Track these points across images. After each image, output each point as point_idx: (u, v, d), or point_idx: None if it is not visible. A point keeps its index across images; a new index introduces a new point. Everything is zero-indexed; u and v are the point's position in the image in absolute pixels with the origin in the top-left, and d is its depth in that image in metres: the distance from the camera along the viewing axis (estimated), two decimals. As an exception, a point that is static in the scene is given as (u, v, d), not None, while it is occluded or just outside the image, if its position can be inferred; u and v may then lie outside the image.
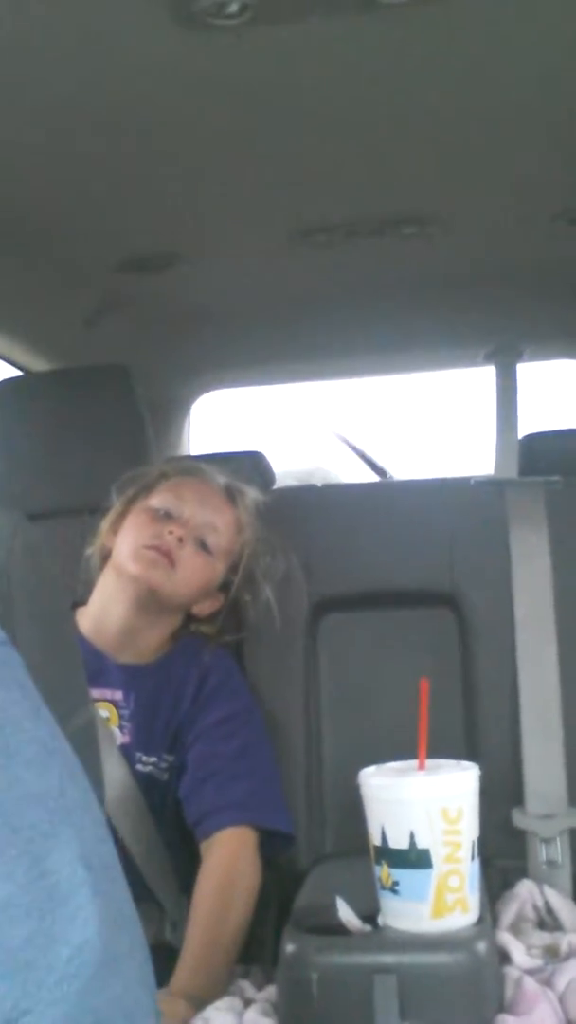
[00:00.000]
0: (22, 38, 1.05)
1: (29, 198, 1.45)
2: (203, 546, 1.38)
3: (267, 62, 1.14)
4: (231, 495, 1.45)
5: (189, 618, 1.44)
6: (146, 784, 1.31)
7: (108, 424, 1.61)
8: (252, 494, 1.48)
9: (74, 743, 0.59)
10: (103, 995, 0.48)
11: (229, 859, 1.25)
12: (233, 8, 1.01)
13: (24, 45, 1.06)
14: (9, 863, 0.47)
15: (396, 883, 0.98)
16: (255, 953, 1.28)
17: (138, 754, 1.33)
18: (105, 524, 1.42)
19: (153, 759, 1.33)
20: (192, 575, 1.36)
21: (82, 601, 1.44)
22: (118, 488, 1.46)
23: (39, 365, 1.98)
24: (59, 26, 1.04)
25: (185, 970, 1.14)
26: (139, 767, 1.32)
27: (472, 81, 1.22)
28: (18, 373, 1.99)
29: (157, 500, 1.40)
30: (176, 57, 1.11)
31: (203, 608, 1.43)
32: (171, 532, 1.35)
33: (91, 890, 0.49)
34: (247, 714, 1.38)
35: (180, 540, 1.35)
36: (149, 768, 1.32)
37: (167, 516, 1.38)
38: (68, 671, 0.83)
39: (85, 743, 0.85)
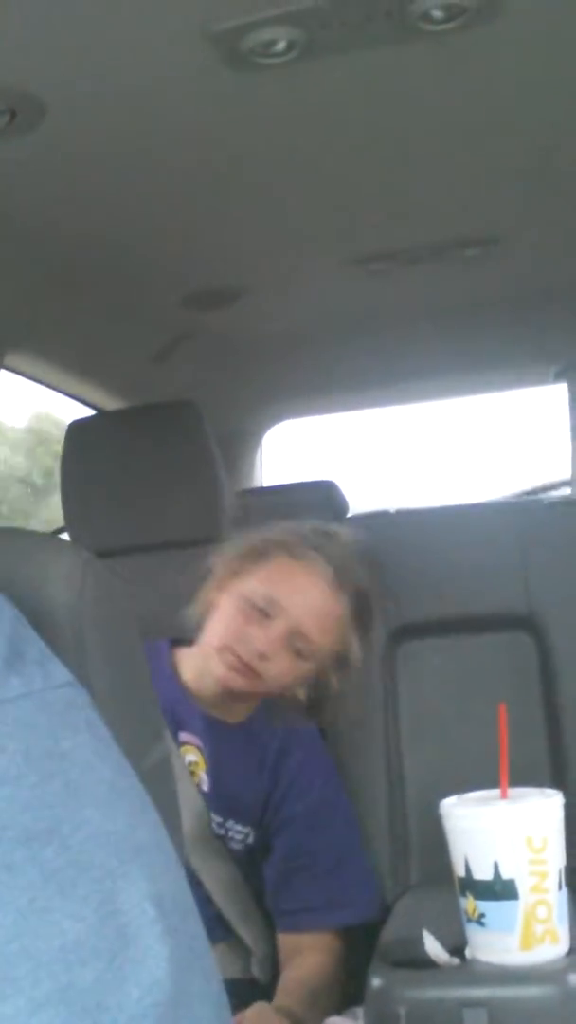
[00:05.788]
0: (85, 89, 1.08)
1: (94, 242, 1.48)
2: (295, 650, 1.27)
3: (317, 96, 1.16)
4: (340, 584, 1.30)
5: None
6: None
7: (179, 461, 1.62)
8: (360, 575, 1.32)
9: (150, 780, 0.59)
10: None
11: (316, 964, 1.25)
12: (280, 46, 1.03)
13: (87, 95, 1.09)
14: (78, 903, 0.47)
15: (482, 915, 0.96)
16: (349, 987, 1.27)
17: (212, 813, 1.31)
18: (209, 588, 1.34)
19: (219, 820, 1.30)
20: (278, 678, 1.28)
21: (183, 640, 1.40)
22: (217, 553, 1.35)
23: (110, 403, 2.01)
24: (117, 74, 1.06)
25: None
26: (214, 827, 1.31)
27: (524, 101, 1.21)
28: (89, 412, 2.02)
29: (254, 585, 1.28)
30: (229, 97, 1.13)
31: (293, 693, 1.34)
32: (257, 641, 1.26)
33: (161, 929, 0.49)
34: (335, 798, 1.34)
35: (263, 655, 1.26)
36: (215, 828, 1.30)
37: (261, 612, 1.27)
38: (142, 708, 0.83)
39: (161, 780, 0.85)
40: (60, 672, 0.57)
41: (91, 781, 0.52)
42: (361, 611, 1.31)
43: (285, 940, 1.29)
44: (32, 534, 0.93)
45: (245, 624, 1.26)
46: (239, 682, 1.27)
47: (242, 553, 1.33)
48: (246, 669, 1.26)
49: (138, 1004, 0.45)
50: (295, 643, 1.27)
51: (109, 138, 1.20)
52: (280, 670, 1.27)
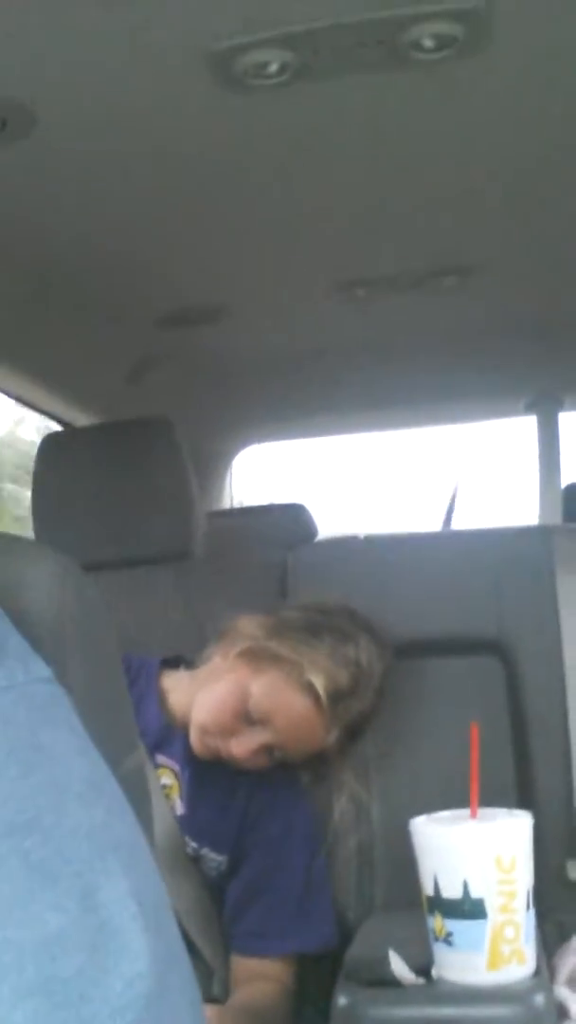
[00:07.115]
0: (76, 103, 1.09)
1: (75, 255, 1.48)
2: (271, 753, 1.28)
3: (307, 119, 1.17)
4: (336, 717, 1.28)
5: None
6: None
7: (152, 478, 1.62)
8: (362, 703, 1.30)
9: (124, 787, 0.59)
10: None
11: (262, 992, 1.25)
12: (273, 68, 1.04)
13: (78, 109, 1.10)
14: (61, 895, 0.47)
15: (450, 934, 0.96)
16: (305, 1011, 1.26)
17: (185, 836, 1.30)
18: (227, 649, 1.32)
19: (194, 845, 1.30)
20: (247, 766, 1.29)
21: (173, 659, 1.41)
22: (248, 618, 1.34)
23: (83, 420, 2.01)
24: (109, 90, 1.07)
25: None
26: (189, 851, 1.30)
27: (509, 132, 1.24)
28: (60, 428, 2.02)
29: (255, 692, 1.26)
30: (220, 118, 1.14)
31: None
32: (236, 746, 1.26)
33: (142, 925, 0.49)
34: (306, 827, 1.34)
35: (237, 757, 1.27)
36: (189, 851, 1.30)
37: (249, 718, 1.26)
38: (119, 717, 0.83)
39: (135, 788, 0.84)
40: (40, 667, 0.57)
41: (71, 776, 0.53)
42: (352, 734, 1.32)
43: (237, 964, 1.28)
44: (13, 539, 0.93)
45: (232, 719, 1.27)
46: (207, 758, 1.29)
47: (259, 644, 1.31)
48: (217, 757, 1.28)
49: (120, 996, 0.45)
50: (273, 750, 1.28)
51: (98, 153, 1.20)
52: (251, 764, 1.29)
